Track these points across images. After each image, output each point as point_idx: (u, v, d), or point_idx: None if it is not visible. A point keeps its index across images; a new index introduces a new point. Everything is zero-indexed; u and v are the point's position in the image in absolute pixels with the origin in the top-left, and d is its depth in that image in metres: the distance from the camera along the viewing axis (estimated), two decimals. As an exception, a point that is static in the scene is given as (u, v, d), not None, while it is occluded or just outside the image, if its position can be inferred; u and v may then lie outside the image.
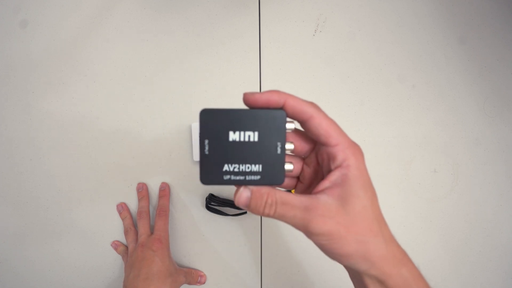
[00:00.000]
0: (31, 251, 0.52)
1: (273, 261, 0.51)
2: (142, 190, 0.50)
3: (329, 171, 0.27)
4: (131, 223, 0.50)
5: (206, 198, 0.50)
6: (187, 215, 0.52)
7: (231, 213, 0.50)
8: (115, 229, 0.52)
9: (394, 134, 0.52)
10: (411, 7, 0.52)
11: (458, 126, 0.52)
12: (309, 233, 0.26)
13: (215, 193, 0.51)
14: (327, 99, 0.52)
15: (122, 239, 0.52)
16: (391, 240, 0.27)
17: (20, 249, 0.52)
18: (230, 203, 0.49)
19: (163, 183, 0.51)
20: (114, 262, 0.52)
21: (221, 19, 0.51)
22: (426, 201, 0.52)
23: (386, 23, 0.52)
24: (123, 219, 0.51)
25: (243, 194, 0.27)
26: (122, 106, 0.51)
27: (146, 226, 0.49)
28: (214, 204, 0.50)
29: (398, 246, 0.28)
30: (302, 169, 0.31)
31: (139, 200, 0.51)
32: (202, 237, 0.52)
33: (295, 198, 0.26)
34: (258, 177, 0.27)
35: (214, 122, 0.26)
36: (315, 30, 0.51)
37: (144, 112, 0.51)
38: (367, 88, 0.52)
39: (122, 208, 0.51)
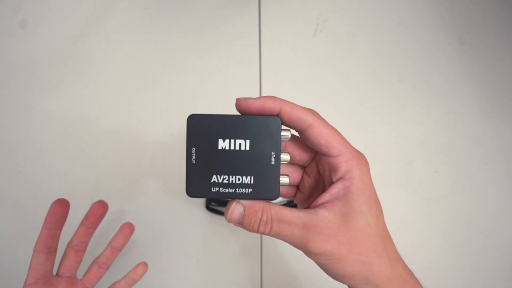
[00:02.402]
0: (31, 252, 0.52)
1: (274, 261, 0.51)
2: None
3: (331, 182, 0.25)
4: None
5: (206, 199, 0.50)
6: (187, 215, 0.51)
7: (231, 213, 0.50)
8: (115, 230, 0.52)
9: (394, 134, 0.52)
10: (411, 7, 0.52)
11: (458, 126, 0.52)
12: (308, 253, 0.24)
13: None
14: (327, 99, 0.52)
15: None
16: (397, 260, 0.25)
17: (20, 250, 0.52)
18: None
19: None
20: (114, 263, 0.52)
21: (221, 19, 0.51)
22: (426, 201, 0.52)
23: (386, 23, 0.52)
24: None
25: (235, 210, 0.24)
26: (122, 106, 0.51)
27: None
28: (214, 204, 0.50)
29: (404, 266, 0.26)
30: (302, 178, 0.28)
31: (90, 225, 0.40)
32: (202, 237, 0.52)
33: (292, 214, 0.24)
34: (250, 190, 0.24)
35: (202, 129, 0.24)
36: (315, 30, 0.51)
37: (144, 113, 0.51)
38: (367, 88, 0.51)
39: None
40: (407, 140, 0.52)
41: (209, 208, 0.50)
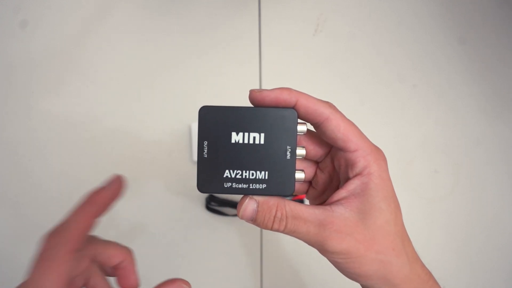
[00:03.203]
0: (31, 252, 0.52)
1: (274, 261, 0.51)
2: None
3: (347, 178, 0.24)
4: None
5: (206, 198, 0.50)
6: (187, 216, 0.51)
7: (231, 214, 0.50)
8: (115, 230, 0.52)
9: (394, 134, 0.52)
10: (411, 7, 0.52)
11: (458, 126, 0.52)
12: (323, 251, 0.23)
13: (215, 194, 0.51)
14: (327, 99, 0.51)
15: (123, 240, 0.51)
16: (415, 259, 0.25)
17: (19, 250, 0.52)
18: (230, 204, 0.49)
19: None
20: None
21: (221, 19, 0.51)
22: (427, 201, 0.52)
23: (386, 23, 0.52)
24: None
25: (249, 207, 0.23)
26: (122, 106, 0.51)
27: None
28: (214, 204, 0.50)
29: (422, 266, 0.25)
30: (315, 174, 0.27)
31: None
32: (202, 238, 0.52)
33: (307, 211, 0.23)
34: (264, 185, 0.23)
35: (214, 121, 0.23)
36: (315, 30, 0.51)
37: (144, 112, 0.51)
38: (367, 88, 0.51)
39: None
40: (407, 140, 0.52)
41: (209, 208, 0.50)
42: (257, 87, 0.51)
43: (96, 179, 0.52)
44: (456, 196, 0.52)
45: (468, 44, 0.51)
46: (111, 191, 0.25)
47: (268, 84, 0.51)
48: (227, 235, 0.52)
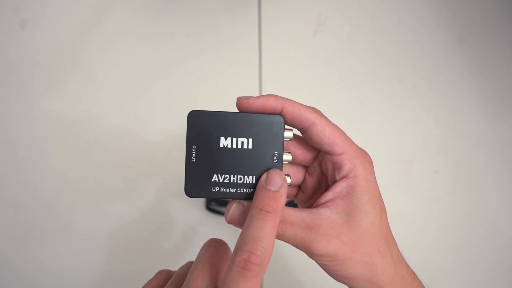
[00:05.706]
0: (30, 252, 0.52)
1: (273, 260, 0.51)
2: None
3: (334, 181, 0.24)
4: None
5: (206, 198, 0.50)
6: (187, 216, 0.51)
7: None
8: (115, 230, 0.52)
9: (394, 134, 0.52)
10: (411, 7, 0.52)
11: (458, 126, 0.52)
12: (310, 254, 0.24)
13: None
14: (327, 99, 0.52)
15: (123, 240, 0.51)
16: (400, 260, 0.25)
17: (19, 250, 0.52)
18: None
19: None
20: (113, 263, 0.52)
21: (221, 19, 0.51)
22: (427, 201, 0.52)
23: (386, 23, 0.52)
24: None
25: (236, 211, 0.23)
26: (122, 106, 0.51)
27: None
28: (214, 204, 0.50)
29: (407, 267, 0.26)
30: (304, 178, 0.28)
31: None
32: (202, 238, 0.52)
33: (294, 214, 0.23)
34: (251, 190, 0.23)
35: (203, 126, 0.23)
36: (316, 30, 0.51)
37: (144, 112, 0.51)
38: (367, 88, 0.52)
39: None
40: (407, 140, 0.52)
41: (209, 208, 0.50)
42: (257, 87, 0.51)
43: (96, 179, 0.52)
44: (456, 196, 0.52)
45: (469, 44, 0.51)
46: (285, 191, 0.22)
47: (268, 84, 0.51)
48: (227, 235, 0.51)
